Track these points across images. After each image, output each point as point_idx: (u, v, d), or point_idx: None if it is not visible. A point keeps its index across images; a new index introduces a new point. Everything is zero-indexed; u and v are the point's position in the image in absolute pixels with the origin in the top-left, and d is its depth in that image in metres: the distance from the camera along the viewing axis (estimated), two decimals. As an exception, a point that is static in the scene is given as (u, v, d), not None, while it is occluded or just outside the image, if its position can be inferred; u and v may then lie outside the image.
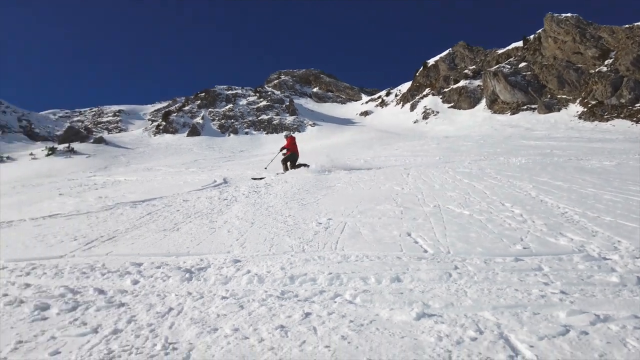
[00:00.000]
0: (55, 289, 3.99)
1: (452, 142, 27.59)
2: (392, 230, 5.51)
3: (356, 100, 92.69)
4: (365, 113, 79.01)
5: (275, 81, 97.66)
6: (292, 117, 72.27)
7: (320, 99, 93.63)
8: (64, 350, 2.80)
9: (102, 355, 2.67)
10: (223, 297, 3.55)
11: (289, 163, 15.60)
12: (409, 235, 5.22)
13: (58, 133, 77.56)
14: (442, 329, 2.76)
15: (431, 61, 75.70)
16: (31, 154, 52.22)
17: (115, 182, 16.41)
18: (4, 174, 31.97)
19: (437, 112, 64.09)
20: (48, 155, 48.29)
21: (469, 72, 67.46)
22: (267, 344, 2.69)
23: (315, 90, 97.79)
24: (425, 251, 4.54)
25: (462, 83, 65.83)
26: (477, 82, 64.21)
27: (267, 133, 69.95)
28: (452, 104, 64.78)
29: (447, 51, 74.14)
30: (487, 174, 10.34)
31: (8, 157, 50.85)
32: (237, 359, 2.53)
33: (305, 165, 14.82)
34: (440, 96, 68.08)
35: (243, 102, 78.38)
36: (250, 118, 73.85)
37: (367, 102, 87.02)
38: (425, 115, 64.75)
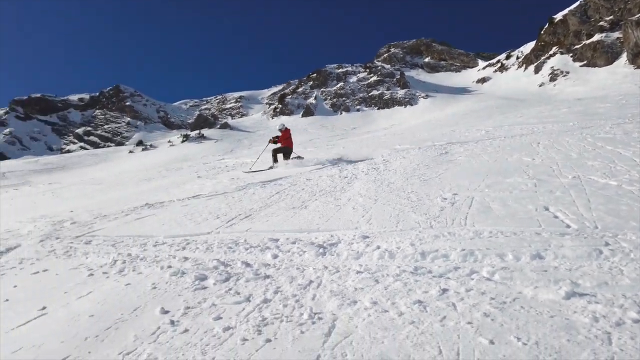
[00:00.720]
0: (209, 262, 4.51)
1: (586, 105, 24.73)
2: (527, 204, 5.19)
3: (472, 67, 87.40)
4: (483, 80, 74.25)
5: (385, 55, 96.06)
6: (403, 91, 70.72)
7: (432, 69, 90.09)
8: (225, 316, 3.18)
9: (258, 322, 2.97)
10: (358, 272, 3.71)
11: (280, 155, 14.45)
12: (547, 209, 4.88)
13: (190, 121, 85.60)
14: (598, 309, 2.58)
15: (558, 16, 67.98)
16: (169, 141, 58.48)
17: (243, 164, 17.72)
18: (150, 159, 36.29)
19: (567, 73, 57.80)
20: (183, 141, 53.52)
21: (605, 24, 59.35)
22: (408, 318, 2.76)
23: (426, 60, 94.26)
24: (568, 226, 4.22)
25: (596, 37, 58.31)
26: (616, 35, 56.28)
27: (378, 109, 69.48)
28: (584, 62, 57.86)
29: (577, 3, 65.92)
30: (635, 139, 9.14)
31: (151, 145, 57.52)
32: (380, 331, 2.64)
33: (299, 157, 14.31)
34: (571, 54, 61.15)
35: (353, 79, 78.56)
36: (361, 95, 73.84)
37: (484, 68, 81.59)
38: (553, 77, 58.84)
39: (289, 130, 14.95)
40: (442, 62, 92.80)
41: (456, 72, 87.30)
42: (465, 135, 14.54)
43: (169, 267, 4.51)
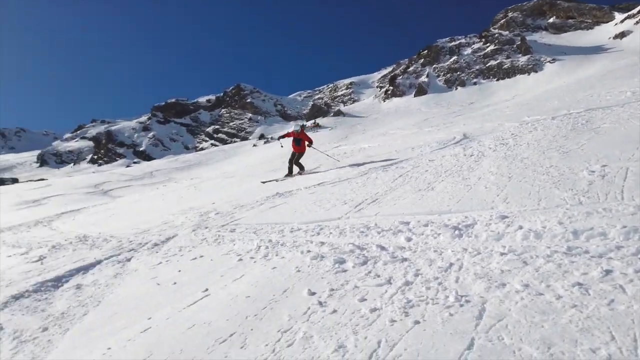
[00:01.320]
0: (345, 246, 4.67)
1: None
2: (700, 173, 4.48)
3: (607, 22, 76.80)
4: (621, 35, 64.97)
5: (502, 21, 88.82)
6: (526, 57, 64.99)
7: (558, 29, 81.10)
8: (369, 297, 3.27)
9: (403, 304, 3.01)
10: (502, 254, 3.54)
11: (296, 167, 13.17)
12: None
13: (305, 112, 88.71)
14: None
15: None
16: (287, 133, 61.35)
17: (361, 150, 17.90)
18: (272, 151, 38.45)
19: None
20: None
21: None
22: (568, 301, 2.58)
23: (551, 21, 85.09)
24: None
25: None
26: None
27: (497, 80, 64.95)
28: None
29: None
30: None
31: (272, 138, 60.80)
32: (537, 315, 2.51)
33: (300, 172, 12.99)
34: None
35: (468, 51, 74.29)
36: (477, 67, 69.59)
37: (622, 22, 71.20)
38: None
39: (305, 134, 13.16)
40: (570, 20, 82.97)
41: (587, 29, 77.47)
42: (606, 100, 12.88)
43: (308, 251, 4.76)
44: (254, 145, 57.51)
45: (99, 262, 6.53)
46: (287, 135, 13.44)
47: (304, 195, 8.80)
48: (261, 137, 69.90)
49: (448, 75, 70.63)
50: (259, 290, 3.91)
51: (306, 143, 13.05)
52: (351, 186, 8.62)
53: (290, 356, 2.64)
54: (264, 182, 12.47)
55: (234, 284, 4.27)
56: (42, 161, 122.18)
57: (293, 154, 12.95)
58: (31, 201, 25.75)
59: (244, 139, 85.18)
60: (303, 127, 13.97)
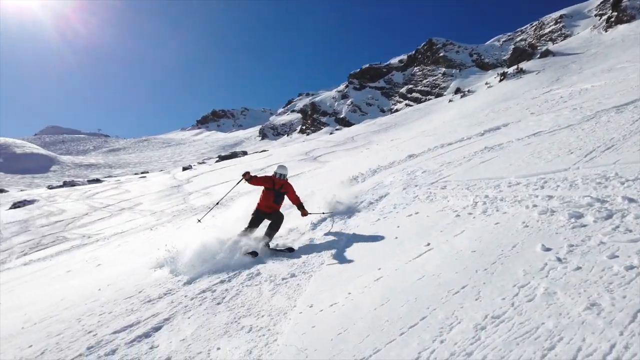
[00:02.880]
0: (580, 199, 4.19)
1: None
2: None
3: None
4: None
5: None
6: None
7: None
8: (621, 254, 2.89)
9: (670, 262, 2.58)
10: None
11: (258, 229, 6.74)
12: None
13: (505, 58, 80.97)
14: None
15: None
16: (486, 83, 57.06)
17: (582, 91, 15.55)
18: (470, 105, 36.43)
19: None
20: (500, 80, 51.23)
21: None
22: None
23: None
24: None
25: None
26: None
27: None
28: None
29: None
30: None
31: (469, 91, 57.56)
32: None
33: (290, 249, 6.16)
34: None
35: None
36: None
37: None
38: None
39: (290, 185, 7.17)
40: None
41: None
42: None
43: (534, 206, 4.43)
44: (450, 100, 55.27)
45: (324, 219, 7.31)
46: (257, 181, 6.82)
47: (518, 147, 8.15)
48: (457, 91, 66.68)
49: (701, -18, 54.94)
50: (484, 245, 3.83)
51: (294, 205, 7.30)
52: (576, 133, 7.61)
53: (533, 311, 2.54)
54: (199, 220, 7.60)
55: (456, 239, 4.28)
56: (263, 135, 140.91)
57: (259, 213, 6.78)
58: (259, 169, 30.12)
59: (438, 95, 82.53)
60: (279, 177, 7.10)
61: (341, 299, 3.75)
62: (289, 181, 7.17)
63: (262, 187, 6.89)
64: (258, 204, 6.80)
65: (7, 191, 50.62)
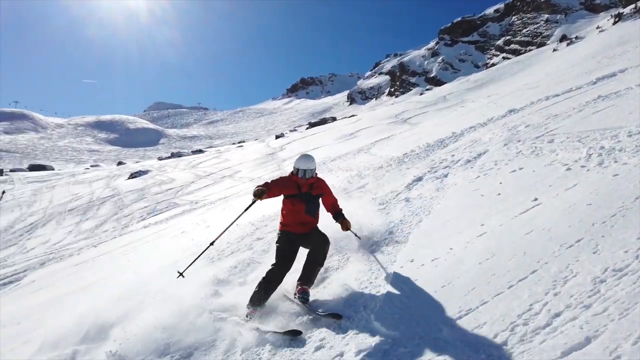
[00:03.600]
0: None
1: None
2: None
3: None
4: None
5: None
6: None
7: None
8: None
9: None
10: None
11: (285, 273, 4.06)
12: None
13: (621, -5, 71.53)
14: None
15: None
16: (597, 27, 51.05)
17: None
18: (578, 53, 32.99)
19: None
20: (615, 23, 45.52)
21: None
22: None
23: None
24: None
25: None
26: None
27: None
28: None
29: None
30: None
31: (576, 37, 52.02)
32: None
33: (335, 316, 3.39)
34: None
35: None
36: None
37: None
38: None
39: (323, 181, 4.58)
40: None
41: None
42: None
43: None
44: (554, 50, 50.33)
45: (419, 178, 7.21)
46: (272, 191, 4.20)
47: (639, 94, 7.28)
48: (562, 39, 60.43)
49: None
50: (600, 198, 3.55)
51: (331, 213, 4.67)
52: None
53: (664, 264, 2.34)
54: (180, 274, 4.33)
55: (567, 192, 4.01)
56: (351, 99, 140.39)
57: (288, 239, 4.25)
58: (348, 134, 30.20)
59: (540, 45, 75.36)
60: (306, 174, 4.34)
61: (442, 254, 3.73)
62: (319, 179, 4.48)
63: (283, 197, 4.31)
64: (282, 224, 4.31)
65: (124, 163, 56.32)
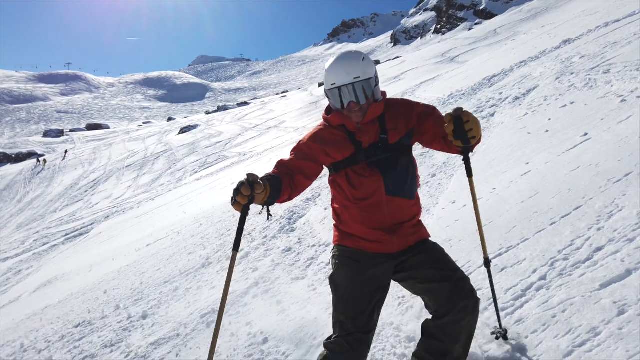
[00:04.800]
0: None
1: None
2: None
3: None
4: None
5: None
6: None
7: None
8: None
9: None
10: None
11: None
12: None
13: None
14: None
15: None
16: None
17: None
18: None
19: None
20: None
21: None
22: None
23: None
24: None
25: None
26: None
27: None
28: None
29: None
30: None
31: None
32: None
33: None
34: None
35: None
36: None
37: None
38: None
39: (401, 100, 1.98)
40: None
41: None
42: None
43: None
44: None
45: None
46: (291, 174, 1.82)
47: None
48: (630, -45, 54.34)
49: None
50: (656, 129, 3.36)
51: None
52: None
53: None
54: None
55: (620, 125, 3.81)
56: (395, 40, 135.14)
57: (369, 276, 1.82)
58: (392, 78, 29.39)
59: (605, -36, 68.37)
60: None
61: (485, 194, 3.71)
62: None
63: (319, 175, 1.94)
64: (339, 230, 1.96)
65: (174, 119, 57.96)
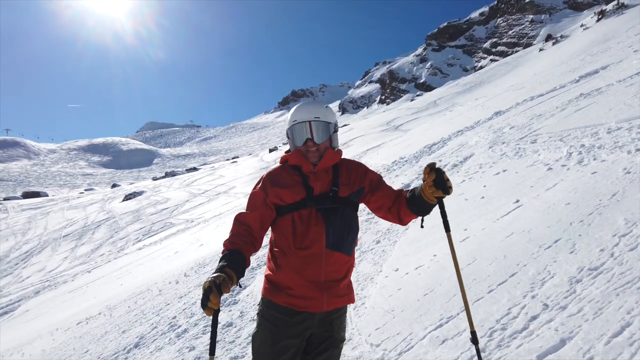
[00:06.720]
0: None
1: None
2: None
3: None
4: None
5: None
6: None
7: None
8: None
9: None
10: None
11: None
12: None
13: (603, -7, 72.54)
14: None
15: None
16: (581, 25, 51.68)
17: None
18: (564, 51, 33.31)
19: None
20: (598, 20, 46.10)
21: None
22: None
23: None
24: None
25: None
26: None
27: None
28: None
29: None
30: None
31: (561, 36, 52.57)
32: None
33: None
34: None
35: None
36: None
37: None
38: None
39: (355, 161, 2.09)
40: None
41: None
42: None
43: (638, 150, 4.02)
44: (540, 49, 50.81)
45: (407, 186, 7.22)
46: (244, 219, 1.85)
47: (619, 90, 7.36)
48: (547, 38, 61.08)
49: None
50: (579, 196, 3.56)
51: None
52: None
53: (637, 260, 2.34)
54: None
55: (547, 192, 4.02)
56: (343, 109, 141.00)
57: (289, 337, 1.82)
58: (342, 144, 30.25)
59: (527, 45, 76.09)
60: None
61: (426, 261, 3.73)
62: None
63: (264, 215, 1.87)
64: (270, 282, 1.90)
65: (119, 185, 56.10)
